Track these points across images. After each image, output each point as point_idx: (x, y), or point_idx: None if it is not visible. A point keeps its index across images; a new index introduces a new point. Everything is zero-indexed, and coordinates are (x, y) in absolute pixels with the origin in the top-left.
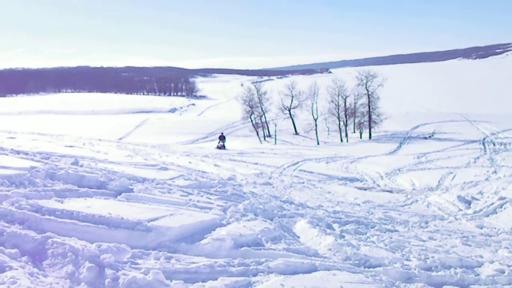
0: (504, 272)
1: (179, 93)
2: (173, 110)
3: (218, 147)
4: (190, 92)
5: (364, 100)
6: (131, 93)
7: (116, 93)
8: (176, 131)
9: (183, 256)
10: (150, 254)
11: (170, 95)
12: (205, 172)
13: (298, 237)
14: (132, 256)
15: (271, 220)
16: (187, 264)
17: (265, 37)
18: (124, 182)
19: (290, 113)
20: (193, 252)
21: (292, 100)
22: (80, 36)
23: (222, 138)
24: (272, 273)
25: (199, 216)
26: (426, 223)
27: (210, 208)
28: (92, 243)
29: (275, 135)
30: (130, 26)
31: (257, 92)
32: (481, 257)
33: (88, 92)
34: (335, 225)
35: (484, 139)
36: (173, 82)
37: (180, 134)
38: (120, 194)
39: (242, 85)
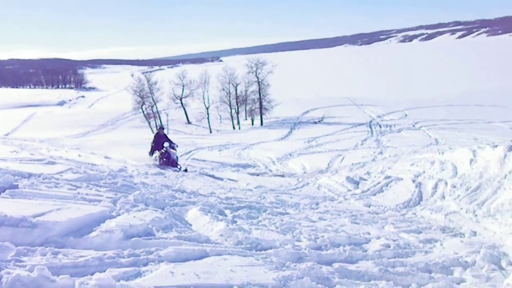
0: (389, 247)
1: (67, 86)
2: (61, 103)
3: (163, 161)
4: (79, 84)
5: (255, 87)
6: (16, 87)
7: (0, 87)
8: (66, 125)
9: (71, 251)
10: (36, 251)
11: (58, 87)
12: (95, 164)
13: (190, 224)
14: (17, 253)
15: (163, 209)
16: (75, 258)
17: (155, 27)
18: (8, 178)
19: (181, 103)
20: (82, 246)
21: (183, 90)
22: None
23: (161, 143)
24: (162, 261)
25: (88, 209)
26: (317, 204)
27: (99, 201)
28: None
29: (167, 125)
30: (11, 13)
31: (148, 82)
32: (369, 233)
33: None
34: (227, 211)
35: (371, 121)
36: (61, 74)
37: (69, 127)
38: (3, 191)
39: (132, 75)
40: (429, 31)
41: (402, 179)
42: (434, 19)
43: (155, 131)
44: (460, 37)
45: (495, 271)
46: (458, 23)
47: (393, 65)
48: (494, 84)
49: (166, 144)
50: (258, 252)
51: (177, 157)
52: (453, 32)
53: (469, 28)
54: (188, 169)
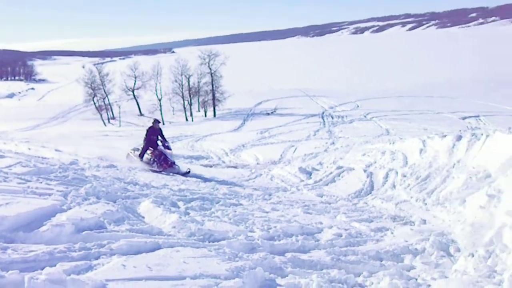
0: (341, 236)
1: (16, 77)
2: (11, 96)
3: (161, 165)
4: (29, 76)
5: (208, 79)
6: None
7: None
8: (15, 117)
9: (20, 245)
10: None
11: (7, 79)
12: (45, 158)
13: (143, 217)
14: None
15: (114, 202)
16: (24, 253)
17: (105, 18)
18: None
19: (134, 94)
20: (32, 240)
21: (135, 81)
22: None
23: (155, 141)
24: (114, 254)
25: (38, 203)
26: (270, 195)
27: (49, 194)
28: None
29: (119, 117)
30: None
31: (99, 74)
32: (321, 223)
33: None
34: (180, 203)
35: (323, 113)
36: (10, 65)
37: (19, 120)
38: None
39: (83, 67)
40: (380, 23)
41: (353, 169)
42: (385, 11)
43: (149, 125)
44: (410, 29)
45: (443, 257)
46: (408, 15)
47: (345, 56)
48: (443, 76)
49: (159, 144)
50: (211, 243)
51: (170, 160)
52: (403, 24)
53: (419, 20)
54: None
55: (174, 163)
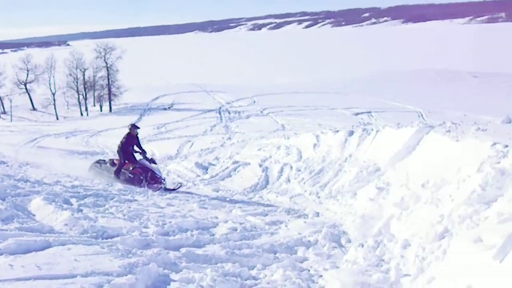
0: (236, 230)
1: None
2: None
3: (148, 183)
4: None
5: (104, 73)
6: None
7: None
8: None
9: None
10: None
11: None
12: None
13: (34, 215)
14: None
15: (3, 200)
16: None
17: None
18: None
19: (26, 88)
20: None
21: (28, 74)
22: None
23: (131, 153)
24: (1, 254)
25: None
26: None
27: None
28: None
29: (11, 112)
30: None
31: None
32: (216, 218)
33: None
34: (73, 200)
35: (220, 108)
36: None
37: None
38: None
39: None
40: (277, 20)
41: (249, 164)
42: (282, 9)
43: (126, 131)
44: (306, 27)
45: (335, 248)
46: (305, 13)
47: (242, 52)
48: (338, 73)
49: (138, 156)
50: (104, 240)
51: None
52: (300, 22)
53: (315, 18)
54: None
55: (163, 178)
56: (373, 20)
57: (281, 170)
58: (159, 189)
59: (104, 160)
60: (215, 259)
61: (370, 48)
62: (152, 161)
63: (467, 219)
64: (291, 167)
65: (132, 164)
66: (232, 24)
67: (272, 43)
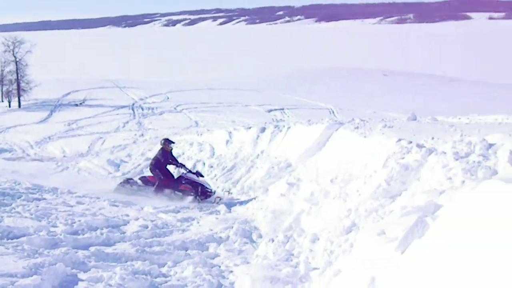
0: (147, 227)
1: None
2: None
3: (201, 199)
4: None
5: (12, 67)
6: None
7: None
8: None
9: None
10: None
11: None
12: None
13: None
14: None
15: None
16: None
17: None
18: None
19: None
20: None
21: None
22: None
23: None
24: None
25: None
26: (75, 188)
27: None
28: None
29: None
30: None
31: None
32: (128, 215)
33: None
34: None
35: (133, 104)
36: None
37: None
38: None
39: None
40: (192, 17)
41: None
42: (197, 5)
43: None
44: (221, 24)
45: (246, 244)
46: (219, 10)
47: (156, 48)
48: (252, 70)
49: (182, 171)
50: (9, 240)
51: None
52: (214, 18)
53: (229, 16)
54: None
55: (214, 191)
56: (287, 18)
57: (194, 167)
58: (218, 202)
59: (132, 179)
60: (124, 257)
61: (284, 46)
62: (198, 174)
63: (373, 213)
64: (204, 164)
65: (181, 182)
66: (146, 20)
67: (186, 40)
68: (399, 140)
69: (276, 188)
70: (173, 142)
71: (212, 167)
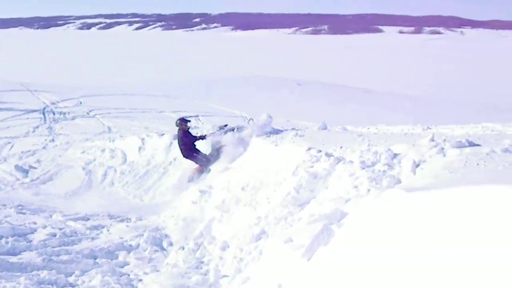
0: (55, 235)
1: None
2: None
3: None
4: None
5: None
6: None
7: None
8: None
9: None
10: None
11: None
12: None
13: None
14: None
15: None
16: None
17: None
18: None
19: None
20: None
21: None
22: None
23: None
24: None
25: None
26: None
27: None
28: None
29: None
30: None
31: None
32: (35, 223)
33: None
34: None
35: (45, 108)
36: None
37: None
38: None
39: None
40: (108, 21)
41: (72, 167)
42: (113, 9)
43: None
44: (137, 28)
45: (157, 252)
46: (135, 15)
47: (70, 51)
48: (167, 76)
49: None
50: None
51: None
52: (130, 23)
53: (146, 21)
54: None
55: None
56: (204, 25)
57: (105, 173)
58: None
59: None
60: (30, 267)
61: (200, 53)
62: (221, 128)
63: (282, 220)
64: (116, 170)
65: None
66: (60, 22)
67: (101, 43)
68: (309, 149)
69: (188, 195)
70: (189, 121)
71: (124, 174)
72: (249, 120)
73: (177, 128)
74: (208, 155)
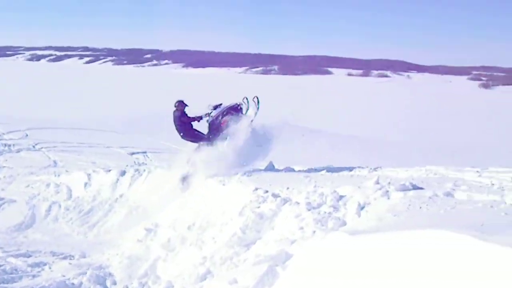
0: None
1: None
2: None
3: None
4: None
5: None
6: None
7: None
8: None
9: None
10: None
11: None
12: None
13: None
14: None
15: None
16: None
17: None
18: None
19: None
20: None
21: None
22: None
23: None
24: None
25: None
26: None
27: None
28: None
29: None
30: None
31: None
32: None
33: None
34: None
35: None
36: None
37: None
38: None
39: None
40: (58, 53)
41: (15, 201)
42: (63, 42)
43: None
44: (88, 62)
45: None
46: (86, 48)
47: (18, 82)
48: (116, 111)
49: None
50: None
51: None
52: (81, 56)
53: (96, 55)
54: None
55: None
56: (155, 62)
57: (49, 209)
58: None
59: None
60: None
61: (150, 88)
62: (216, 106)
63: (227, 260)
64: (60, 206)
65: (216, 123)
66: (9, 52)
67: (51, 76)
68: (256, 189)
69: (133, 234)
70: (187, 105)
71: (68, 209)
72: (244, 98)
73: (174, 109)
74: (206, 134)
